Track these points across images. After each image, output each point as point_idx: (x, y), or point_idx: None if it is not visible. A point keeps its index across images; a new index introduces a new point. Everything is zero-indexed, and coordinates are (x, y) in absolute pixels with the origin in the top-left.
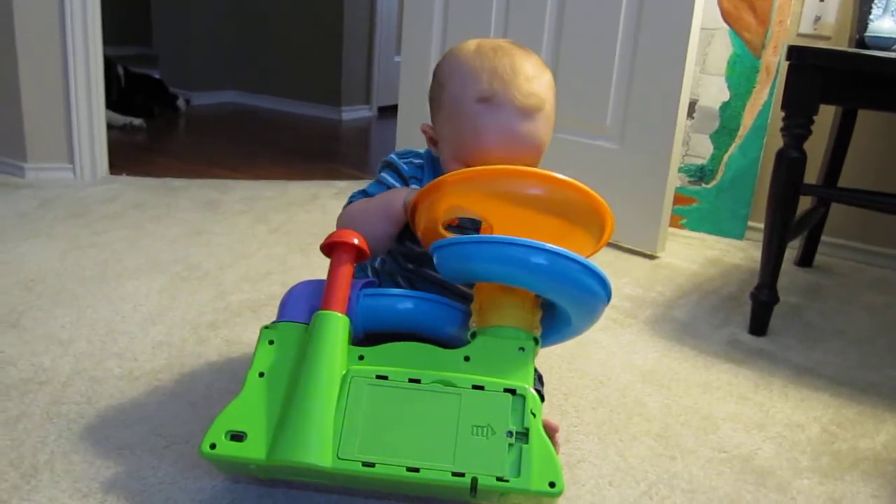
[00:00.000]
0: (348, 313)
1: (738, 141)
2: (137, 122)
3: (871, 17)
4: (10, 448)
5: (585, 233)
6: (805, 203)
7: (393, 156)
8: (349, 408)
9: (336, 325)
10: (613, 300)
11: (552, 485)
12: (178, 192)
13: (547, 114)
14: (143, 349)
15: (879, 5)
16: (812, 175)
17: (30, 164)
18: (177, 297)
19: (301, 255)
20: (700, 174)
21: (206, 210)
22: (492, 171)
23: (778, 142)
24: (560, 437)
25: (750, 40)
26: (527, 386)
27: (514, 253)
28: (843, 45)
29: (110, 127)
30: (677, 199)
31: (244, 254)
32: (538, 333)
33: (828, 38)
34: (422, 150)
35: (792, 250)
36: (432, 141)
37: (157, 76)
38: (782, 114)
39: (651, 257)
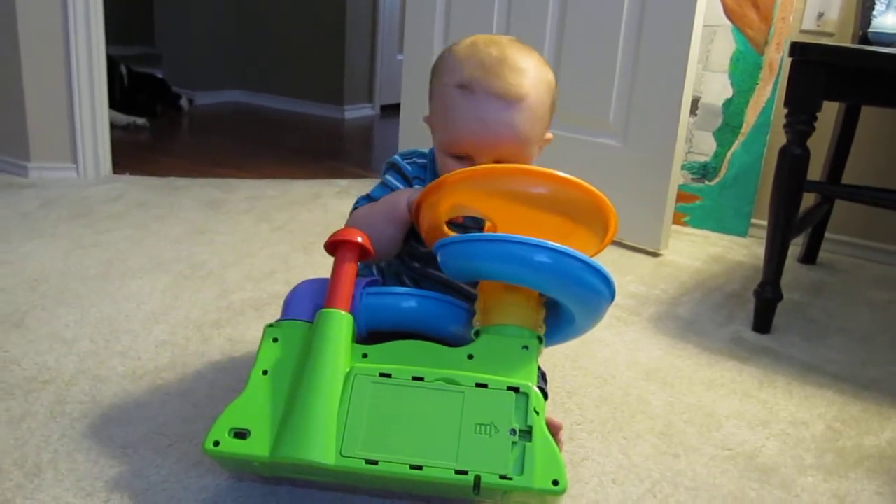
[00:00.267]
0: (352, 311)
1: (741, 138)
2: (141, 121)
3: (875, 13)
4: (13, 447)
5: (589, 231)
6: (808, 200)
7: (396, 157)
8: (352, 405)
9: (340, 323)
10: (617, 298)
11: (555, 483)
12: (181, 192)
13: (530, 105)
14: (147, 348)
15: (883, 1)
16: (815, 172)
17: (33, 164)
18: (180, 296)
19: (304, 254)
20: (703, 171)
21: (209, 209)
22: (493, 169)
23: (781, 139)
24: (563, 435)
25: (753, 37)
26: (530, 384)
27: (518, 251)
28: (846, 42)
29: (113, 126)
30: (680, 197)
31: (247, 253)
32: (542, 332)
33: (831, 35)
34: (426, 150)
35: (795, 247)
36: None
37: (160, 75)
38: (785, 111)
39: (654, 255)
